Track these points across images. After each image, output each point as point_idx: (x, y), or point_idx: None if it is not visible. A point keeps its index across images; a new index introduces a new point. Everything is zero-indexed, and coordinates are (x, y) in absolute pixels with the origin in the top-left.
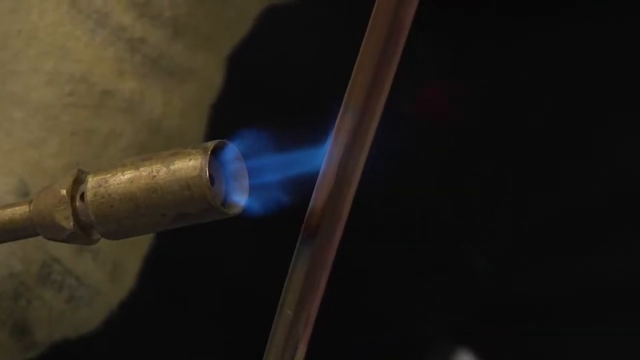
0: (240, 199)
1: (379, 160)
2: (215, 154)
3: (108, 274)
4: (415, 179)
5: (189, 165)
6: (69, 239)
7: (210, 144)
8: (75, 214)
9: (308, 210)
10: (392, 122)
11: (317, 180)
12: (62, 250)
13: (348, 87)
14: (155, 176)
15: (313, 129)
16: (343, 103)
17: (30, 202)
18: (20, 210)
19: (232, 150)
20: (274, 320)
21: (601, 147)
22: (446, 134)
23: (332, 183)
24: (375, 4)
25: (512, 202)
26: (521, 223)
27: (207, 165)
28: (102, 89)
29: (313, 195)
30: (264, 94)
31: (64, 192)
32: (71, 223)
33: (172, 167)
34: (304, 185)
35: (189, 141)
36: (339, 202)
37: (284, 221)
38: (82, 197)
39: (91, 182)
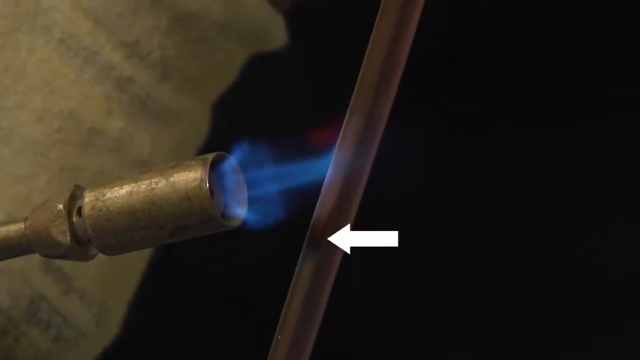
0: (240, 212)
1: None
2: (214, 166)
3: (94, 317)
4: (397, 275)
5: (189, 176)
6: (66, 254)
7: (210, 156)
8: (72, 228)
9: (313, 217)
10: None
11: (323, 188)
12: (49, 288)
13: (354, 92)
14: (154, 188)
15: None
16: (349, 107)
17: (25, 219)
18: (16, 227)
19: (231, 163)
20: (279, 324)
21: (578, 240)
22: (430, 229)
23: (338, 191)
24: (382, 4)
25: (495, 296)
26: (503, 316)
27: (207, 177)
28: (90, 127)
29: (318, 204)
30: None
31: (60, 207)
32: (68, 238)
33: (171, 179)
34: (304, 196)
35: None
36: (346, 209)
37: (285, 232)
38: (79, 211)
39: (88, 196)
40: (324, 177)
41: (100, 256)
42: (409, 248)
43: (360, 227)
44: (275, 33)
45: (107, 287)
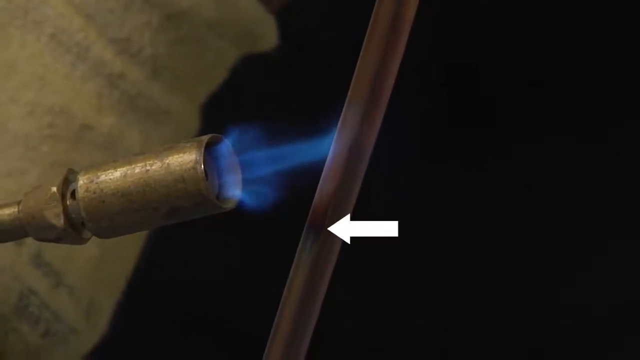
0: (234, 193)
1: None
2: (209, 148)
3: (83, 312)
4: (381, 299)
5: (183, 158)
6: (60, 237)
7: (205, 138)
8: (66, 211)
9: (313, 202)
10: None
11: (323, 174)
12: (39, 283)
13: (352, 81)
14: (148, 170)
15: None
16: (348, 96)
17: (19, 202)
18: (9, 211)
19: (225, 145)
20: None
21: (561, 272)
22: (414, 262)
23: (338, 179)
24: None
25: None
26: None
27: (201, 158)
28: (81, 123)
29: (317, 191)
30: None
31: (54, 189)
32: (62, 220)
33: (166, 161)
34: (301, 179)
35: None
36: (347, 195)
37: (280, 217)
38: (72, 195)
39: (82, 178)
40: (323, 157)
41: (90, 252)
42: (392, 275)
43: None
44: (267, 33)
45: (96, 284)
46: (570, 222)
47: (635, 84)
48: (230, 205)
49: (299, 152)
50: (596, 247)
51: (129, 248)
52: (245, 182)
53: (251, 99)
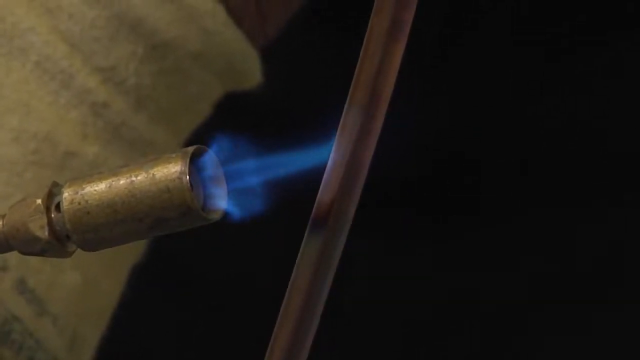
0: (219, 205)
1: None
2: (194, 160)
3: (67, 342)
4: None
5: (169, 168)
6: (44, 249)
7: (190, 149)
8: (50, 223)
9: (317, 199)
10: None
11: (327, 169)
12: (23, 309)
13: (353, 81)
14: (133, 181)
15: None
16: (348, 98)
17: (3, 216)
18: None
19: (210, 157)
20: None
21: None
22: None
23: (343, 170)
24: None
25: None
26: None
27: (187, 168)
28: (65, 150)
29: (322, 184)
30: None
31: (39, 201)
32: (46, 232)
33: (152, 171)
34: (287, 189)
35: None
36: (350, 193)
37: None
38: (57, 207)
39: (67, 190)
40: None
41: (74, 280)
42: (375, 351)
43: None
44: (252, 69)
45: (81, 315)
46: (554, 301)
47: (613, 170)
48: (215, 217)
49: (295, 160)
50: (580, 327)
51: (112, 280)
52: (235, 192)
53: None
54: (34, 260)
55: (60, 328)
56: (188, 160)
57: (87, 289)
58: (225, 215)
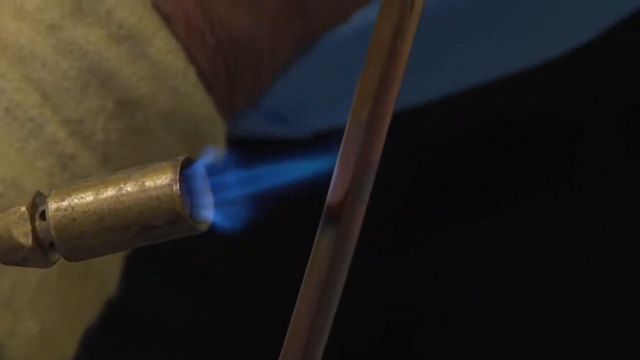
0: (206, 215)
1: None
2: (182, 170)
3: None
4: None
5: (159, 176)
6: (26, 258)
7: (181, 158)
8: (34, 230)
9: (329, 193)
10: None
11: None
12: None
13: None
14: (122, 188)
15: None
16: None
17: None
18: None
19: (198, 168)
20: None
21: None
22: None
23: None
24: (378, 14)
25: None
26: None
27: (177, 177)
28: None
29: (334, 177)
30: None
31: (23, 208)
32: (30, 239)
33: (141, 179)
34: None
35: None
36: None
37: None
38: (42, 215)
39: (53, 197)
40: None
41: (32, 330)
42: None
43: None
44: (217, 136)
45: None
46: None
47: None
48: (202, 228)
49: (275, 173)
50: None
51: (68, 336)
52: (226, 203)
53: None
54: None
55: None
56: (178, 168)
57: (44, 339)
58: (212, 226)
